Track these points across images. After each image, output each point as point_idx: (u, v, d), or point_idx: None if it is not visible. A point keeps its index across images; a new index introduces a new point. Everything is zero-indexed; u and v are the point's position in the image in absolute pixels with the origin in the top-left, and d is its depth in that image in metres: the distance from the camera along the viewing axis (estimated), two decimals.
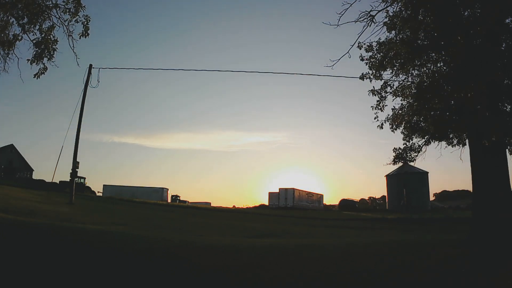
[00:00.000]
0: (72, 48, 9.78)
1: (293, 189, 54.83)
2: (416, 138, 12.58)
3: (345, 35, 64.84)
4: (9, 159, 63.61)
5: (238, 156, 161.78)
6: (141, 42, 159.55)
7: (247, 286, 5.60)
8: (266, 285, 5.68)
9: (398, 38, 10.40)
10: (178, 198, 69.48)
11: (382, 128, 12.42)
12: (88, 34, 9.38)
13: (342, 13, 9.27)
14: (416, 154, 12.97)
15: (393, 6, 10.06)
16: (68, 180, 24.73)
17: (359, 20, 9.72)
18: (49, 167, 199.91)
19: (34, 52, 9.30)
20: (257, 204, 64.28)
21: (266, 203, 58.47)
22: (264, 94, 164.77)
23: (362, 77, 11.55)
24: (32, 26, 9.15)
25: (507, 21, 9.64)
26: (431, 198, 71.53)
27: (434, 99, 10.05)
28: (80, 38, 9.44)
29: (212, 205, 66.65)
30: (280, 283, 5.83)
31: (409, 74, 11.39)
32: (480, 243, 9.52)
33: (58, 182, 41.23)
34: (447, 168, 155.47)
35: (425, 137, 12.42)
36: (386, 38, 10.80)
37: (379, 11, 9.81)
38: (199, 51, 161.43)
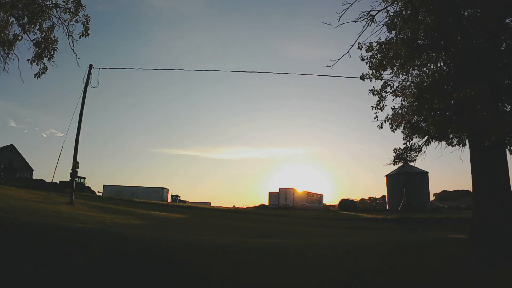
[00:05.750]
0: (72, 48, 9.79)
1: (293, 189, 54.82)
2: (416, 138, 12.58)
3: (345, 35, 64.73)
4: (9, 159, 63.58)
5: (244, 163, 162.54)
6: (141, 42, 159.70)
7: (247, 286, 5.61)
8: (267, 285, 5.69)
9: (398, 38, 10.40)
10: (178, 198, 69.46)
11: (382, 128, 12.43)
12: (88, 34, 9.37)
13: (342, 13, 9.28)
14: (416, 154, 12.97)
15: (393, 6, 10.08)
16: (68, 180, 24.74)
17: (359, 20, 9.74)
18: (49, 167, 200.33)
19: (34, 52, 9.30)
20: (257, 204, 64.22)
21: (266, 203, 58.43)
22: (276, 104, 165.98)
23: (362, 77, 11.56)
24: (32, 26, 9.15)
25: (507, 21, 9.64)
26: (431, 198, 71.38)
27: (434, 99, 10.05)
28: (80, 38, 9.44)
29: (212, 205, 66.70)
30: (280, 283, 5.83)
31: (409, 74, 11.39)
32: (480, 243, 9.52)
33: (58, 182, 41.28)
34: (447, 168, 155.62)
35: (425, 137, 12.41)
36: (386, 38, 10.81)
37: (379, 11, 9.82)
38: (200, 51, 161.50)
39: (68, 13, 9.25)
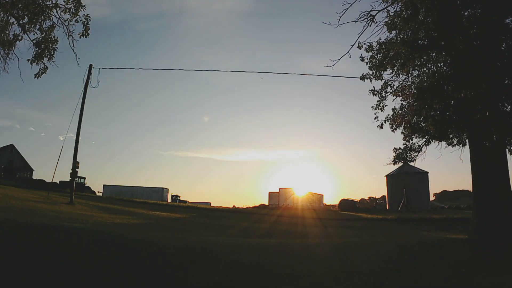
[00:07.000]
0: (72, 48, 9.80)
1: (293, 189, 54.91)
2: (416, 138, 12.56)
3: (345, 36, 64.61)
4: (9, 159, 63.56)
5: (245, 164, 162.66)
6: (141, 42, 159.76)
7: (247, 286, 5.61)
8: (267, 285, 5.69)
9: (398, 38, 10.40)
10: (178, 198, 69.44)
11: (382, 128, 12.42)
12: (88, 34, 9.37)
13: (342, 13, 9.27)
14: (416, 154, 12.94)
15: (393, 6, 10.08)
16: (68, 180, 24.74)
17: (359, 20, 9.73)
18: (49, 167, 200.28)
19: (34, 52, 9.30)
20: (257, 204, 64.24)
21: (267, 203, 58.49)
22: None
23: (362, 78, 11.56)
24: (32, 26, 9.16)
25: (507, 21, 9.64)
26: (431, 198, 71.45)
27: (434, 99, 10.05)
28: (80, 38, 9.45)
29: (212, 205, 66.68)
30: (280, 283, 5.83)
31: (409, 74, 11.40)
32: (480, 243, 9.51)
33: (58, 182, 41.25)
34: (447, 168, 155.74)
35: (425, 137, 12.40)
36: (386, 38, 10.82)
37: (379, 11, 9.82)
38: (200, 52, 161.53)
39: (68, 13, 9.27)
